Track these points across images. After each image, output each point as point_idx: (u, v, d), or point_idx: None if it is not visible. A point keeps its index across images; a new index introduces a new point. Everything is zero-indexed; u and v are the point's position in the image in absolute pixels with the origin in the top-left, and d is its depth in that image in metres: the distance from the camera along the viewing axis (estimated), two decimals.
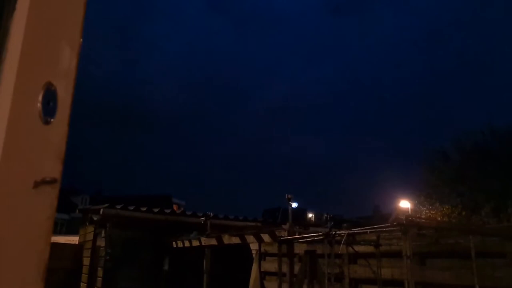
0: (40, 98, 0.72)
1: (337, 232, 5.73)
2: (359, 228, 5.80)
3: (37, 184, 0.71)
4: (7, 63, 0.69)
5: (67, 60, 0.79)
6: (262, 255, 9.27)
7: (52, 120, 0.74)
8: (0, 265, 0.65)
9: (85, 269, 12.73)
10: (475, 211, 19.03)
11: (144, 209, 11.50)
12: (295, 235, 6.67)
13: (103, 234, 11.35)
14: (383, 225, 5.23)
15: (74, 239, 16.14)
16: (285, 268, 6.76)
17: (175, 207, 30.74)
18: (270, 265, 8.97)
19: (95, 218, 11.64)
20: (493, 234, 5.77)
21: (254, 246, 9.17)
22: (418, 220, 6.20)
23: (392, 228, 5.05)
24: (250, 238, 7.90)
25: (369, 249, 6.54)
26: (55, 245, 12.81)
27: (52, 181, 0.74)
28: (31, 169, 0.71)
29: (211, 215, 10.81)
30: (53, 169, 0.75)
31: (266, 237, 7.39)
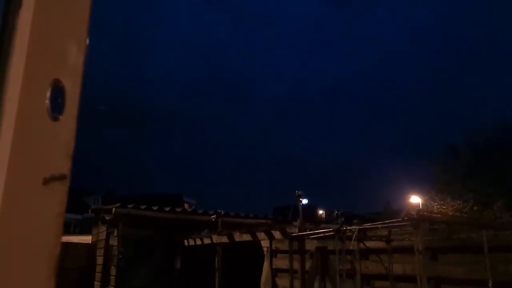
0: (48, 94, 0.72)
1: (348, 228, 5.71)
2: (370, 224, 5.77)
3: (46, 181, 0.72)
4: (15, 60, 0.69)
5: (74, 57, 0.79)
6: (273, 252, 9.27)
7: (60, 116, 0.75)
8: (12, 262, 0.66)
9: (98, 268, 12.87)
10: (487, 206, 18.84)
11: (155, 208, 11.58)
12: (306, 232, 6.66)
13: (115, 234, 11.46)
14: (394, 220, 5.20)
15: (87, 239, 16.27)
16: (296, 265, 6.75)
17: (186, 205, 30.86)
18: (281, 262, 8.96)
19: (107, 218, 11.74)
20: (506, 228, 5.70)
21: (265, 243, 9.18)
22: (429, 214, 6.15)
23: (403, 223, 5.01)
24: (261, 235, 7.91)
25: (381, 244, 6.51)
26: (69, 245, 13.00)
27: (62, 177, 0.75)
28: (40, 165, 0.72)
29: (222, 213, 10.84)
30: (62, 165, 0.75)
31: (277, 234, 7.39)
